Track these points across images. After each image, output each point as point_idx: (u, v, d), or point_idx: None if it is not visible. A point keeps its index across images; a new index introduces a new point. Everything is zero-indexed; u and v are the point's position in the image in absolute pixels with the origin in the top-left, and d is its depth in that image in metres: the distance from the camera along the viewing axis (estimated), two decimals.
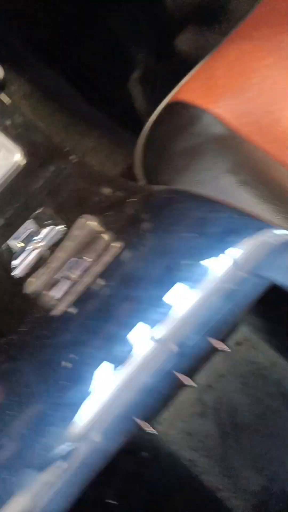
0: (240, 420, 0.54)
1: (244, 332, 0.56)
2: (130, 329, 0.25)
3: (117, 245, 0.29)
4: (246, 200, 0.41)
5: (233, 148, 0.46)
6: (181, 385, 0.26)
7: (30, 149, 0.47)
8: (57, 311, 0.29)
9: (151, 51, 0.78)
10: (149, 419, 0.28)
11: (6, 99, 0.54)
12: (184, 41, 0.76)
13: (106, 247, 0.30)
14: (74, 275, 0.31)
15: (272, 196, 0.42)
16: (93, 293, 0.27)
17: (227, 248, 0.21)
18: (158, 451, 0.52)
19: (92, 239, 0.32)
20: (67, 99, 0.67)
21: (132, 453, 0.47)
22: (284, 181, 0.43)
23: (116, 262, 0.27)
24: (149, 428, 0.34)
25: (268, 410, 0.53)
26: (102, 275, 0.28)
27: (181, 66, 0.56)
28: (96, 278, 0.28)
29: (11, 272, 0.37)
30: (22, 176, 0.43)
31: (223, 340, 0.27)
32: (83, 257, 0.32)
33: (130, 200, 0.34)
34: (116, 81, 0.74)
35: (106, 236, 0.31)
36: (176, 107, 0.49)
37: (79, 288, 0.29)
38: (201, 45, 0.72)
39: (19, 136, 0.48)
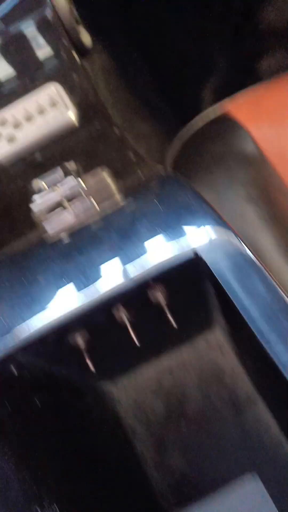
0: (187, 409, 0.58)
1: (218, 336, 0.60)
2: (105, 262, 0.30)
3: (118, 199, 0.35)
4: (247, 214, 0.45)
5: (257, 167, 0.50)
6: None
7: (83, 112, 0.53)
8: (50, 236, 0.35)
9: (233, 61, 0.82)
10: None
11: (85, 64, 0.61)
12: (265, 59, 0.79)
13: (109, 197, 0.36)
14: (75, 210, 0.38)
15: (271, 220, 0.45)
16: (85, 229, 0.33)
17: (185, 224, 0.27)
18: (106, 408, 0.57)
19: (100, 187, 0.39)
20: (138, 83, 0.72)
21: (80, 397, 0.52)
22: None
23: (112, 212, 0.33)
24: (92, 368, 0.40)
25: (214, 411, 0.57)
26: (98, 217, 0.33)
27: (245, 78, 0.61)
28: (92, 218, 0.34)
29: (30, 203, 0.43)
30: (68, 131, 0.50)
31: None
32: (89, 198, 0.38)
33: (144, 174, 0.39)
34: (189, 79, 0.78)
35: (112, 188, 0.38)
36: (222, 117, 0.54)
37: (75, 221, 0.36)
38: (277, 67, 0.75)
39: (80, 99, 0.54)
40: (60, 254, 0.31)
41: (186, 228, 0.27)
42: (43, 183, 0.48)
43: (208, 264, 0.26)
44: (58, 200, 0.45)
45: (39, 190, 0.48)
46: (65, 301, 0.29)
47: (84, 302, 0.28)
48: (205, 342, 0.61)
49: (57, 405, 0.39)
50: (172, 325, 0.39)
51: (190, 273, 0.32)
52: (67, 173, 0.43)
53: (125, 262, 0.28)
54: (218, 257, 0.26)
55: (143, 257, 0.27)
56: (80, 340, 0.41)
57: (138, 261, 0.27)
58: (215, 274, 0.25)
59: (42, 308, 0.28)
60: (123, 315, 0.40)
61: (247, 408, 0.56)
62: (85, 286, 0.28)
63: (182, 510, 0.52)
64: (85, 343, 0.41)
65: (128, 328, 0.40)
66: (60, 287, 0.29)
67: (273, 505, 0.50)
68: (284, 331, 0.25)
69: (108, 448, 0.50)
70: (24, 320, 0.28)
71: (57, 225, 0.38)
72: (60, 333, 0.32)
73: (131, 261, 0.28)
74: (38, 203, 0.43)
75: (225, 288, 0.25)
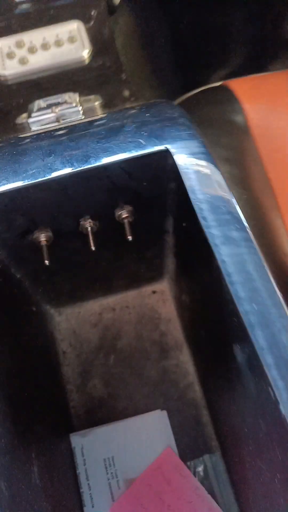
0: (119, 345, 0.63)
1: (163, 285, 0.66)
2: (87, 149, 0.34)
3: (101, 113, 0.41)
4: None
5: (240, 137, 0.56)
6: None
7: (97, 55, 0.58)
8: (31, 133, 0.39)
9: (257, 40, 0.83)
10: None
11: (111, 18, 0.65)
12: None
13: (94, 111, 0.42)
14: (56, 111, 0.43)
15: (239, 180, 0.52)
16: (73, 126, 0.37)
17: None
18: (45, 329, 0.61)
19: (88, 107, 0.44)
20: (156, 51, 0.76)
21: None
22: (260, 192, 0.53)
23: (101, 116, 0.37)
24: (47, 262, 0.44)
25: (142, 351, 0.62)
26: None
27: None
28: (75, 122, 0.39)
29: (29, 116, 0.47)
30: (78, 67, 0.55)
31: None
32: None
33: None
34: (204, 57, 0.81)
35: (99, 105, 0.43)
36: (220, 87, 0.60)
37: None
38: None
39: (97, 42, 0.59)
40: (45, 138, 0.35)
41: (167, 135, 0.32)
42: (44, 104, 0.52)
43: (176, 162, 0.31)
44: (54, 120, 0.49)
45: (38, 110, 0.52)
46: (45, 172, 0.33)
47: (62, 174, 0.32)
48: (151, 291, 0.66)
49: (2, 312, 0.43)
50: (127, 239, 0.44)
51: (158, 173, 0.37)
52: (68, 101, 0.48)
53: (105, 150, 0.33)
54: (189, 165, 0.31)
55: (123, 149, 0.32)
56: (42, 237, 0.45)
57: (118, 151, 0.32)
58: (180, 174, 0.30)
59: (26, 173, 0.32)
60: (87, 223, 0.45)
61: (172, 354, 0.62)
62: (66, 165, 0.33)
63: (92, 430, 0.57)
64: (46, 241, 0.45)
65: (89, 234, 0.44)
66: (44, 162, 0.33)
67: (172, 436, 0.56)
68: (234, 241, 0.29)
69: (38, 364, 0.54)
70: (8, 181, 0.32)
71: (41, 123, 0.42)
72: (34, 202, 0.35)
73: (110, 151, 0.32)
74: (35, 120, 0.47)
75: (189, 193, 0.30)
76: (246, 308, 0.27)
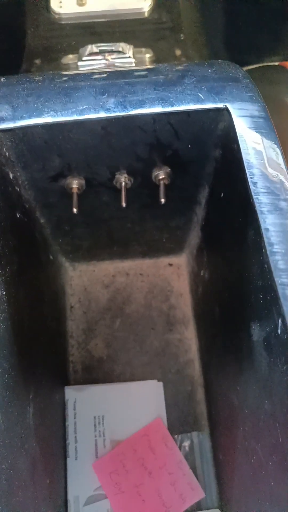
0: (127, 310, 0.62)
1: (181, 259, 0.65)
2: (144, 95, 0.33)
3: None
4: None
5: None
6: None
7: (159, 11, 0.55)
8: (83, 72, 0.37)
9: None
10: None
11: None
12: None
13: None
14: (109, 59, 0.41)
15: None
16: (119, 72, 0.36)
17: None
18: (57, 281, 0.61)
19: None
20: (219, 21, 0.72)
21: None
22: None
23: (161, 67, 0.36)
24: (75, 210, 0.43)
25: (149, 320, 0.62)
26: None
27: None
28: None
29: (80, 60, 0.45)
30: (136, 19, 0.53)
31: None
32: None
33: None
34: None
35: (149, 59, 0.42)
36: (278, 66, 0.58)
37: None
38: None
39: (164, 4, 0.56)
40: (100, 77, 0.34)
41: (228, 94, 0.30)
42: (96, 49, 0.50)
43: (234, 122, 0.29)
44: (104, 67, 0.47)
45: (89, 54, 0.50)
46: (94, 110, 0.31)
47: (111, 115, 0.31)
48: (167, 263, 0.65)
49: (20, 253, 0.42)
50: (157, 203, 0.43)
51: (205, 137, 0.36)
52: (123, 51, 0.46)
53: (161, 98, 0.31)
54: (246, 127, 0.29)
55: (180, 100, 0.31)
56: (75, 184, 0.44)
57: (175, 102, 0.31)
58: (237, 134, 0.29)
59: (76, 108, 0.31)
60: (123, 178, 0.44)
61: (178, 328, 0.61)
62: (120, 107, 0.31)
63: (87, 387, 0.57)
64: (78, 189, 0.44)
65: (122, 190, 0.43)
66: (97, 99, 0.32)
67: (164, 407, 0.56)
68: (281, 211, 0.27)
69: (47, 312, 0.54)
70: (56, 112, 0.31)
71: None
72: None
73: (167, 100, 0.31)
74: (85, 64, 0.45)
75: (243, 155, 0.28)
76: (284, 280, 0.26)
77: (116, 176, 0.43)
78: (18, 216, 0.42)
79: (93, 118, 0.31)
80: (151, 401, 0.57)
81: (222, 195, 0.40)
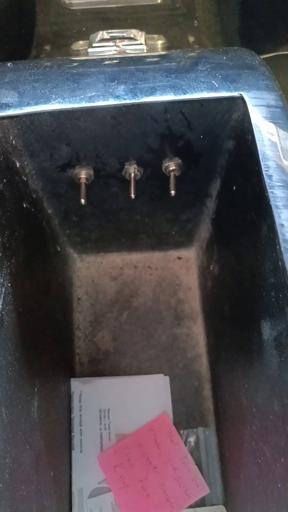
0: (134, 303, 0.62)
1: (190, 253, 0.64)
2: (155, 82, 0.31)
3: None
4: None
5: None
6: None
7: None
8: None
9: None
10: None
11: None
12: None
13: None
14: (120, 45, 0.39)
15: None
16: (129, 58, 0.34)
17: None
18: (64, 271, 0.60)
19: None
20: (234, 8, 0.70)
21: None
22: None
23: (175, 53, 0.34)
24: (83, 201, 0.42)
25: (157, 313, 0.61)
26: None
27: None
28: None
29: (90, 46, 0.44)
30: (149, 5, 0.51)
31: None
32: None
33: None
34: None
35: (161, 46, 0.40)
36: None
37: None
38: None
39: None
40: (109, 63, 0.32)
41: (243, 82, 0.29)
42: (107, 36, 0.49)
43: (249, 111, 0.28)
44: (115, 54, 0.46)
45: (100, 41, 0.49)
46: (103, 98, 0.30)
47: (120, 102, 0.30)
48: (176, 256, 0.64)
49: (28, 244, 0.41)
50: (167, 195, 0.41)
51: (218, 128, 0.35)
52: (134, 37, 0.44)
53: (173, 86, 0.30)
54: (262, 117, 0.28)
55: (193, 88, 0.29)
56: (83, 174, 0.43)
57: (188, 90, 0.29)
58: (252, 124, 0.27)
59: (84, 95, 0.30)
60: (132, 168, 0.43)
61: (186, 322, 0.60)
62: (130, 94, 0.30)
63: (93, 379, 0.56)
64: (86, 179, 0.43)
65: (131, 181, 0.42)
66: (106, 86, 0.30)
67: (170, 402, 0.56)
68: None
69: (53, 304, 0.53)
70: (64, 99, 0.30)
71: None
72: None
73: (179, 87, 0.30)
74: (95, 51, 0.44)
75: (258, 146, 0.27)
76: None
77: (126, 167, 0.42)
78: (25, 206, 0.41)
79: (102, 105, 0.30)
80: (157, 395, 0.56)
81: (234, 188, 0.39)
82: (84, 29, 0.54)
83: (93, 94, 0.30)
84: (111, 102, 0.30)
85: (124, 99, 0.30)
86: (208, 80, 0.30)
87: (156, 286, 0.63)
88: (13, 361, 0.35)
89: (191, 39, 0.50)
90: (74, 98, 0.30)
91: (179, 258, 0.64)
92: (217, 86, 0.29)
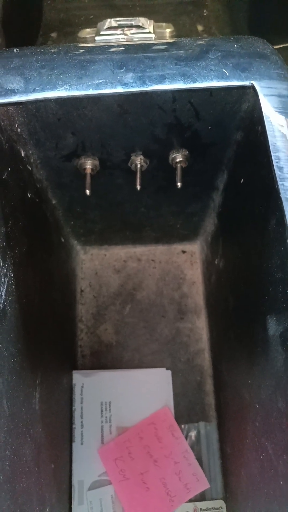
0: (137, 296, 0.61)
1: (195, 247, 0.63)
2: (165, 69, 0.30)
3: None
4: None
5: None
6: None
7: None
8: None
9: None
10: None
11: None
12: None
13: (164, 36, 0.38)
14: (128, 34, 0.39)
15: None
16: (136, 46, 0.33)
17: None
18: (68, 263, 0.60)
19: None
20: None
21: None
22: None
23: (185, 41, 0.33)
24: (88, 191, 0.42)
25: (160, 307, 0.61)
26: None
27: None
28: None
29: (98, 34, 0.43)
30: None
31: None
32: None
33: None
34: None
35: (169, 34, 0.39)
36: None
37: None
38: None
39: None
40: (118, 50, 0.32)
41: (255, 71, 0.28)
42: (115, 24, 0.48)
43: (260, 100, 0.27)
44: (123, 42, 0.45)
45: (108, 29, 0.48)
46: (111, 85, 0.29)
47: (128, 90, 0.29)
48: (180, 250, 0.64)
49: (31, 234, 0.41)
50: (174, 187, 0.41)
51: (227, 119, 0.34)
52: (143, 26, 0.43)
53: (183, 74, 0.29)
54: (273, 107, 0.27)
55: (203, 76, 0.28)
56: (88, 164, 0.42)
57: (197, 78, 0.29)
58: (263, 114, 0.27)
59: (92, 82, 0.29)
60: (138, 159, 0.42)
61: (189, 317, 0.60)
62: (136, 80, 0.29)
63: (95, 372, 0.56)
64: (91, 170, 0.43)
65: (137, 172, 0.41)
66: (114, 73, 0.30)
67: (172, 396, 0.55)
68: None
69: (56, 295, 0.53)
70: (71, 86, 0.29)
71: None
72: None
73: (189, 75, 0.29)
74: (102, 39, 0.43)
75: (268, 137, 0.26)
76: None
77: (132, 158, 0.42)
78: (29, 195, 0.40)
79: (110, 93, 0.29)
80: (159, 389, 0.56)
81: (242, 180, 0.38)
82: (92, 16, 0.53)
83: (100, 81, 0.29)
84: (119, 89, 0.29)
85: (133, 86, 0.29)
86: (218, 69, 0.29)
87: (159, 280, 0.62)
88: (15, 353, 0.35)
89: (200, 28, 0.49)
90: (81, 85, 0.29)
91: (184, 251, 0.63)
92: (227, 74, 0.29)
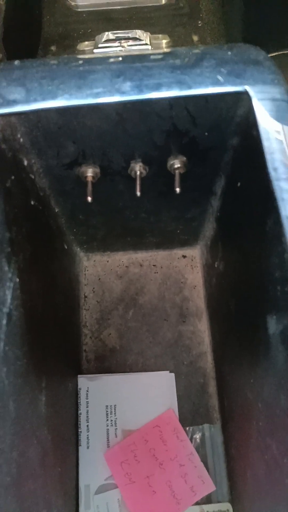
0: (140, 301, 0.62)
1: (195, 252, 0.64)
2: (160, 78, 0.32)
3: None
4: None
5: None
6: None
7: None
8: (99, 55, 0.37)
9: None
10: None
11: None
12: None
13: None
14: (126, 45, 0.40)
15: None
16: (146, 55, 0.35)
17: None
18: (71, 270, 0.61)
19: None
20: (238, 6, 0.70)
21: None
22: None
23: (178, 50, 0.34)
24: (89, 198, 0.43)
25: (162, 311, 0.61)
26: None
27: None
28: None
29: (96, 47, 0.44)
30: (153, 6, 0.52)
31: None
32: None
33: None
34: None
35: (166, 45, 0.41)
36: None
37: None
38: None
39: None
40: (115, 61, 0.33)
41: (248, 77, 0.29)
42: (113, 36, 0.49)
43: (253, 105, 0.28)
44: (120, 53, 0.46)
45: (106, 41, 0.49)
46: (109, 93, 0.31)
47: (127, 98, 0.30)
48: (181, 255, 0.65)
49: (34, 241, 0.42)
50: (173, 193, 0.42)
51: (223, 125, 0.35)
52: (140, 38, 0.45)
53: (179, 81, 0.30)
54: (266, 110, 0.28)
55: (198, 83, 0.30)
56: (90, 172, 0.43)
57: (193, 85, 0.30)
58: (256, 117, 0.28)
59: (91, 91, 0.30)
60: (138, 166, 0.43)
61: (191, 320, 0.61)
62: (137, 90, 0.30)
63: (100, 376, 0.57)
64: (93, 177, 0.44)
65: (137, 178, 0.42)
66: (112, 82, 0.31)
67: (175, 399, 0.56)
68: None
69: (60, 300, 0.54)
70: (70, 95, 0.30)
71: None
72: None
73: (184, 83, 0.30)
74: (101, 51, 0.44)
75: (262, 139, 0.27)
76: None
77: (131, 165, 0.43)
78: (32, 203, 0.41)
79: (108, 101, 0.30)
80: (163, 392, 0.57)
81: (239, 184, 0.39)
82: (90, 30, 0.55)
83: (99, 90, 0.30)
84: (117, 98, 0.30)
85: (130, 94, 0.30)
86: (213, 75, 0.30)
87: (161, 284, 0.63)
88: (20, 356, 0.35)
89: (195, 38, 0.50)
90: (80, 94, 0.30)
91: (184, 256, 0.64)
92: (222, 81, 0.30)
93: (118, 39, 0.48)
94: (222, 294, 0.55)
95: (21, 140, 0.37)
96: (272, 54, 0.63)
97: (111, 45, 0.47)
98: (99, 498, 0.51)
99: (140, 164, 0.43)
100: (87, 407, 0.55)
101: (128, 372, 0.58)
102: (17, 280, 0.35)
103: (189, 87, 0.30)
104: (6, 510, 0.31)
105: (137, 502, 0.51)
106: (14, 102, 0.30)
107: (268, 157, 0.27)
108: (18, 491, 0.33)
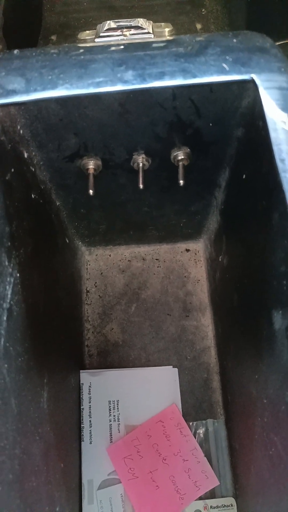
0: (143, 295, 0.61)
1: (198, 245, 0.63)
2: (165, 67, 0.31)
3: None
4: None
5: None
6: None
7: None
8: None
9: None
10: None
11: None
12: None
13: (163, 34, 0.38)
14: (128, 33, 0.39)
15: None
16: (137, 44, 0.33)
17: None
18: (73, 264, 0.60)
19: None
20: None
21: None
22: None
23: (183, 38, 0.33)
24: (91, 191, 0.42)
25: (165, 305, 0.61)
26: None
27: None
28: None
29: (97, 36, 0.43)
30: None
31: None
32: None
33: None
34: None
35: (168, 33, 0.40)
36: None
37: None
38: None
39: None
40: (117, 49, 0.32)
41: (254, 65, 0.28)
42: (114, 25, 0.48)
43: (260, 93, 0.27)
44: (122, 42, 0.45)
45: (107, 30, 0.48)
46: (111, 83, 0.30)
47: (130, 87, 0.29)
48: (184, 249, 0.64)
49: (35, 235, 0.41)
50: (176, 186, 0.41)
51: (227, 116, 0.34)
52: (142, 26, 0.44)
53: (183, 70, 0.29)
54: (273, 99, 0.27)
55: (202, 72, 0.29)
56: (91, 164, 0.43)
57: (197, 74, 0.29)
58: (263, 107, 0.27)
59: (92, 80, 0.29)
60: (140, 158, 0.42)
61: (194, 315, 0.60)
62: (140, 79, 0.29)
63: (102, 371, 0.56)
64: (94, 170, 0.43)
65: (140, 171, 0.42)
66: (114, 71, 0.30)
67: (179, 394, 0.55)
68: None
69: (62, 295, 0.53)
70: (71, 85, 0.29)
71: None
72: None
73: (188, 71, 0.29)
74: (102, 40, 0.43)
75: (269, 129, 0.26)
76: None
77: (134, 157, 0.42)
78: (33, 197, 0.41)
79: (110, 91, 0.29)
80: (166, 387, 0.56)
81: (244, 176, 0.38)
82: (91, 19, 0.54)
83: (101, 79, 0.29)
84: (120, 87, 0.29)
85: (133, 83, 0.29)
86: (218, 64, 0.29)
87: (164, 278, 0.62)
88: (22, 352, 0.35)
89: (198, 26, 0.49)
90: (81, 84, 0.30)
91: (187, 250, 0.63)
92: (227, 69, 0.29)
93: (120, 27, 0.47)
94: (226, 288, 0.54)
95: (21, 131, 0.36)
96: (278, 43, 0.62)
97: (113, 34, 0.46)
98: (102, 493, 0.51)
99: (143, 156, 0.42)
100: (89, 402, 0.55)
101: (131, 367, 0.58)
102: (18, 275, 0.34)
103: (194, 76, 0.29)
104: (10, 506, 0.31)
105: (140, 497, 0.51)
106: (14, 92, 0.29)
107: (275, 148, 0.26)
108: (21, 488, 0.33)
